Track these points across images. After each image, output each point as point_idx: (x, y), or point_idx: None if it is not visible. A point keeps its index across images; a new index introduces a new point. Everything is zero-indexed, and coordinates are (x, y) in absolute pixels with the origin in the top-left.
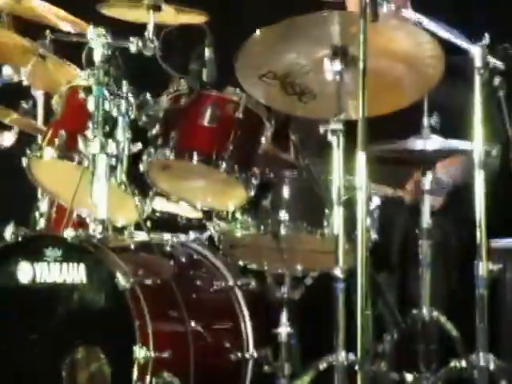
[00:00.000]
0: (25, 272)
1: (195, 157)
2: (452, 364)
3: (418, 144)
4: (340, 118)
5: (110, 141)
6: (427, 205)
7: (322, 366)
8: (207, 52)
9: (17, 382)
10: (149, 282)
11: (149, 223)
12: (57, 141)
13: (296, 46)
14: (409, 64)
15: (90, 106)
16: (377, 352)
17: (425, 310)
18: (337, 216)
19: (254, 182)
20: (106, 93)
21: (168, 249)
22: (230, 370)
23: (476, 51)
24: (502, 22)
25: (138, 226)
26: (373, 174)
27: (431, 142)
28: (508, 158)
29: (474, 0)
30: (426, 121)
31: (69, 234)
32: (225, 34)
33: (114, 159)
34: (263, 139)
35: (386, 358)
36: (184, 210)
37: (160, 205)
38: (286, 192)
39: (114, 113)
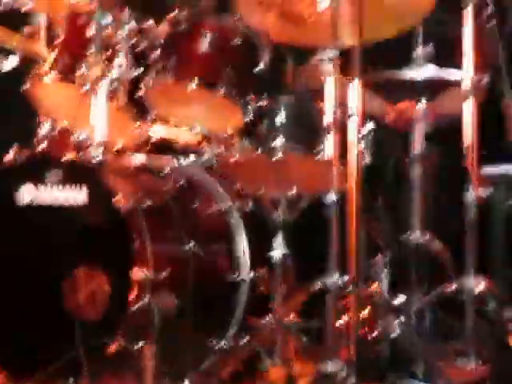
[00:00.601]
0: (26, 193)
1: (194, 81)
2: (442, 286)
3: (411, 73)
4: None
5: (111, 65)
6: (419, 132)
7: (316, 287)
8: None
9: (18, 301)
10: (148, 203)
11: (148, 146)
12: (58, 65)
13: None
14: None
15: (92, 30)
16: (369, 274)
17: (417, 233)
18: (330, 142)
19: (251, 106)
20: (107, 18)
21: (166, 171)
22: (227, 291)
23: None
24: None
25: (137, 150)
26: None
27: (425, 71)
28: (499, 85)
29: None
30: (420, 50)
31: (69, 156)
32: None
33: (114, 83)
34: (260, 65)
35: (378, 280)
36: (182, 134)
37: (159, 129)
38: (282, 116)
39: (115, 38)
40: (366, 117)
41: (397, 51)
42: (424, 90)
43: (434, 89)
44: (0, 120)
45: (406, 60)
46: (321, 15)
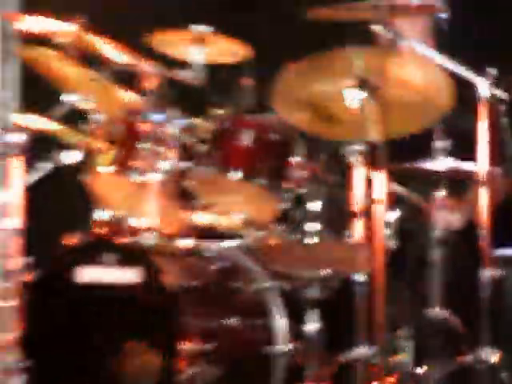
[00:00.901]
0: (84, 274)
1: (235, 174)
2: (459, 358)
3: (430, 165)
4: (362, 140)
5: (160, 159)
6: (439, 215)
7: (346, 358)
8: (246, 81)
9: (79, 370)
10: (193, 283)
11: (193, 232)
12: (116, 158)
13: (324, 77)
14: (423, 93)
15: (144, 128)
16: (394, 347)
17: (436, 310)
18: (358, 227)
19: (287, 195)
20: (158, 117)
21: (210, 254)
22: (264, 362)
23: (483, 83)
24: (507, 57)
25: (184, 235)
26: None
27: (442, 163)
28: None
29: (481, 35)
30: (437, 144)
31: (123, 240)
32: (263, 64)
33: (163, 175)
34: (295, 157)
35: (401, 352)
36: (224, 221)
37: (204, 216)
38: (315, 205)
39: (164, 135)
40: (390, 205)
41: (418, 145)
42: (443, 181)
43: (452, 180)
44: (63, 207)
45: (427, 153)
46: (350, 114)
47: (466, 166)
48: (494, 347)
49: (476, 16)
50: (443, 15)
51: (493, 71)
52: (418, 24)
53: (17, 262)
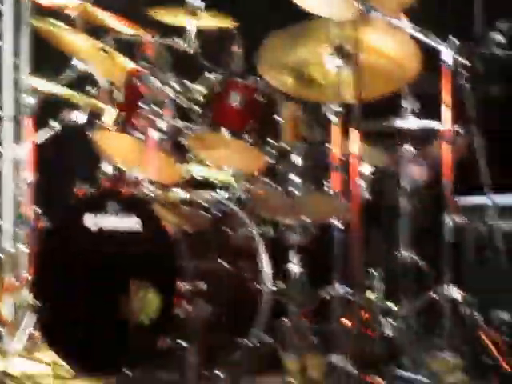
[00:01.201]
0: (91, 222)
1: (226, 131)
2: (425, 295)
3: (399, 123)
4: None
5: (158, 118)
6: (406, 171)
7: (324, 296)
8: (236, 49)
9: (85, 310)
10: (189, 229)
11: (189, 184)
12: (117, 118)
13: (304, 45)
14: (393, 59)
15: (143, 91)
16: (367, 285)
17: (405, 252)
18: (336, 179)
19: (273, 150)
20: (156, 81)
21: (204, 204)
22: (253, 299)
23: (445, 49)
24: (468, 24)
25: (180, 186)
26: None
27: (410, 122)
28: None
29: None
30: (406, 104)
31: (126, 191)
32: (250, 34)
33: (161, 133)
34: (279, 117)
35: (374, 290)
36: (217, 174)
37: (198, 169)
38: (297, 159)
39: (162, 96)
40: (364, 160)
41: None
42: (411, 138)
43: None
44: (71, 161)
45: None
46: (328, 77)
47: (432, 124)
48: (456, 285)
49: None
50: None
51: (455, 40)
52: None
53: (29, 210)
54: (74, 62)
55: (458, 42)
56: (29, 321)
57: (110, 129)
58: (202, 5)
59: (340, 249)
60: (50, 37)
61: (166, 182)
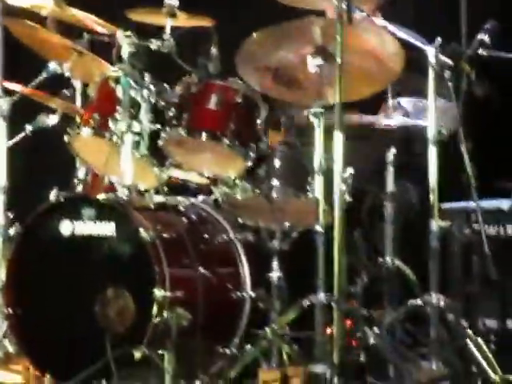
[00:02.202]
0: (66, 227)
1: (203, 134)
2: (410, 302)
3: (384, 121)
4: (320, 103)
5: (134, 121)
6: (390, 174)
7: (306, 303)
8: (213, 49)
9: (59, 317)
10: (166, 235)
11: (166, 188)
12: (92, 121)
13: (285, 45)
14: (376, 59)
15: (119, 93)
16: (350, 293)
17: (388, 259)
18: (317, 183)
19: (251, 154)
20: (132, 82)
21: (181, 208)
22: (231, 307)
23: (430, 50)
24: (452, 24)
25: (156, 191)
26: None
27: (395, 120)
28: (456, 135)
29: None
30: (390, 103)
31: (101, 196)
32: (228, 34)
33: (137, 136)
34: (258, 119)
35: (357, 298)
36: (194, 178)
37: (175, 173)
38: (277, 163)
39: (138, 98)
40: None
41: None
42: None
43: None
44: (44, 166)
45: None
46: (309, 78)
47: (417, 123)
48: (441, 292)
49: None
50: None
51: (439, 40)
52: None
53: (1, 216)
54: (49, 64)
55: (443, 43)
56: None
57: (84, 132)
58: (177, 3)
59: (322, 255)
60: (23, 38)
61: (141, 186)
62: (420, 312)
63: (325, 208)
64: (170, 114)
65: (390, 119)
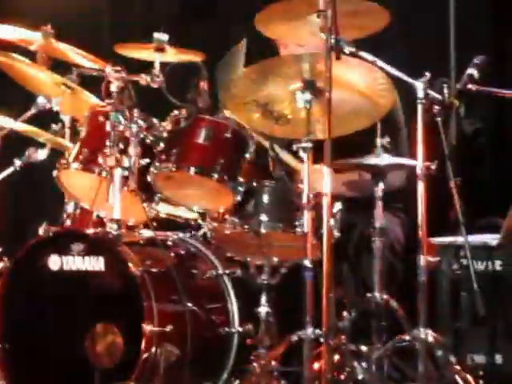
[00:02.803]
0: (54, 262)
1: (192, 169)
2: (398, 337)
3: (372, 160)
4: (309, 138)
5: (123, 156)
6: (379, 209)
7: (294, 339)
8: (202, 84)
9: (48, 352)
10: (154, 270)
11: (154, 223)
12: (81, 156)
13: (274, 80)
14: (365, 95)
15: (108, 128)
16: (338, 328)
17: (377, 294)
18: (306, 218)
19: (240, 189)
20: (121, 118)
21: (170, 243)
22: (220, 342)
23: (419, 85)
24: (440, 60)
25: (145, 226)
26: None
27: (383, 159)
28: (444, 171)
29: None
30: (378, 141)
31: (90, 231)
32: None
33: (126, 171)
34: (247, 154)
35: (345, 333)
36: (183, 212)
37: (164, 208)
38: (265, 198)
39: (127, 133)
40: (334, 199)
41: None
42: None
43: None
44: (34, 200)
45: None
46: (297, 113)
47: (405, 161)
48: (430, 328)
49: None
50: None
51: (427, 74)
52: None
53: None
54: (38, 98)
55: (432, 78)
56: None
57: (73, 167)
58: (166, 38)
59: (310, 289)
60: (11, 73)
61: (130, 221)
62: (408, 347)
63: (313, 243)
64: (159, 148)
65: (379, 158)
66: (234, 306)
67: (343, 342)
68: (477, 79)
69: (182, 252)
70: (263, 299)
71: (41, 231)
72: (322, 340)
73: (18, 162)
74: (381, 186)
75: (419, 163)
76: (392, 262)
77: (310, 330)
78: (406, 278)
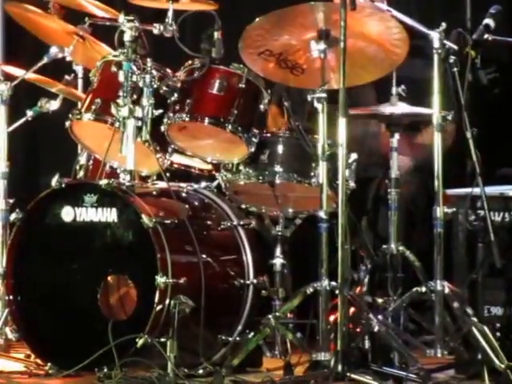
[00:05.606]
0: (67, 213)
1: (206, 119)
2: (414, 289)
3: (388, 109)
4: (324, 88)
5: (136, 107)
6: (395, 159)
7: (309, 290)
8: (216, 34)
9: (61, 304)
10: (168, 221)
11: (168, 174)
12: (93, 106)
13: (289, 30)
14: (380, 45)
15: (121, 78)
16: (353, 279)
17: (393, 245)
18: (321, 168)
19: (254, 140)
20: (134, 67)
21: (183, 195)
22: (234, 294)
23: (435, 35)
24: (456, 10)
25: (159, 176)
26: None
27: (399, 108)
28: (460, 122)
29: None
30: (394, 90)
31: (103, 182)
32: (231, 19)
33: (139, 121)
34: (262, 105)
35: (361, 285)
36: (197, 163)
37: (177, 159)
38: (280, 149)
39: (140, 84)
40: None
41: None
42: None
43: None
44: (46, 152)
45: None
46: (312, 63)
47: (421, 111)
48: (446, 279)
49: None
50: None
51: (443, 25)
52: None
53: (1, 202)
54: (50, 49)
55: (448, 28)
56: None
57: (86, 117)
58: None
59: (326, 241)
60: (24, 23)
61: (143, 172)
62: (425, 299)
63: (328, 194)
64: (173, 99)
65: (394, 107)
66: (248, 258)
67: (359, 294)
68: (493, 29)
69: (196, 203)
70: (278, 251)
71: (53, 183)
72: (337, 292)
73: (29, 113)
74: (396, 136)
75: (435, 113)
76: (409, 213)
77: (325, 282)
78: (423, 229)
